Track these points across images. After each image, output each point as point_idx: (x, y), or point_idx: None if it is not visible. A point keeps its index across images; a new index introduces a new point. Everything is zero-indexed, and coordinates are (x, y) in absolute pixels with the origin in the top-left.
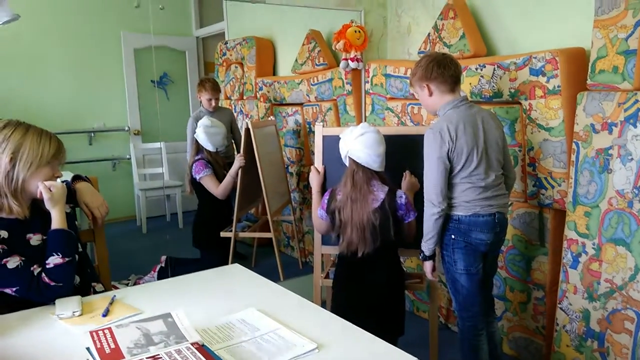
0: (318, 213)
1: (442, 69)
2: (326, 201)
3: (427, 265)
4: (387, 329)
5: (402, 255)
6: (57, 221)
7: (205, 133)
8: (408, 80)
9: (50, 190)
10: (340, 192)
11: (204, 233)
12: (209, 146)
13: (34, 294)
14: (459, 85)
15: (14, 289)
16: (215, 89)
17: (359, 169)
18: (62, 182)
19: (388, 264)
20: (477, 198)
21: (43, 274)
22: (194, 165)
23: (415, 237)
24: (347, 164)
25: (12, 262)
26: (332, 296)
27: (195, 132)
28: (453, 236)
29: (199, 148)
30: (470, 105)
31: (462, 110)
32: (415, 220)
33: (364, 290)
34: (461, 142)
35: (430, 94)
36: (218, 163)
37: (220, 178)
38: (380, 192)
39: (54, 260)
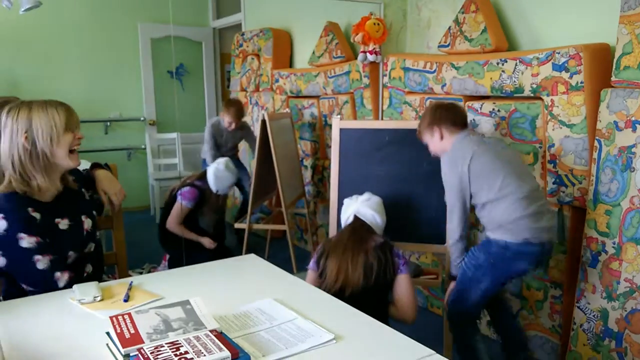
0: (310, 265)
1: (451, 112)
2: (317, 254)
3: (452, 284)
4: None
5: (418, 250)
6: None
7: (214, 175)
8: (418, 128)
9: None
10: (336, 238)
11: (170, 234)
12: (212, 186)
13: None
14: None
15: (30, 289)
16: (238, 115)
17: (360, 222)
18: (83, 170)
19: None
20: (524, 214)
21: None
22: (187, 188)
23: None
24: (348, 222)
25: (42, 263)
26: None
27: (212, 136)
28: (492, 260)
29: (204, 175)
30: (480, 135)
31: (474, 137)
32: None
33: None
34: (480, 158)
35: (442, 137)
36: (210, 203)
37: (204, 214)
38: (376, 243)
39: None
